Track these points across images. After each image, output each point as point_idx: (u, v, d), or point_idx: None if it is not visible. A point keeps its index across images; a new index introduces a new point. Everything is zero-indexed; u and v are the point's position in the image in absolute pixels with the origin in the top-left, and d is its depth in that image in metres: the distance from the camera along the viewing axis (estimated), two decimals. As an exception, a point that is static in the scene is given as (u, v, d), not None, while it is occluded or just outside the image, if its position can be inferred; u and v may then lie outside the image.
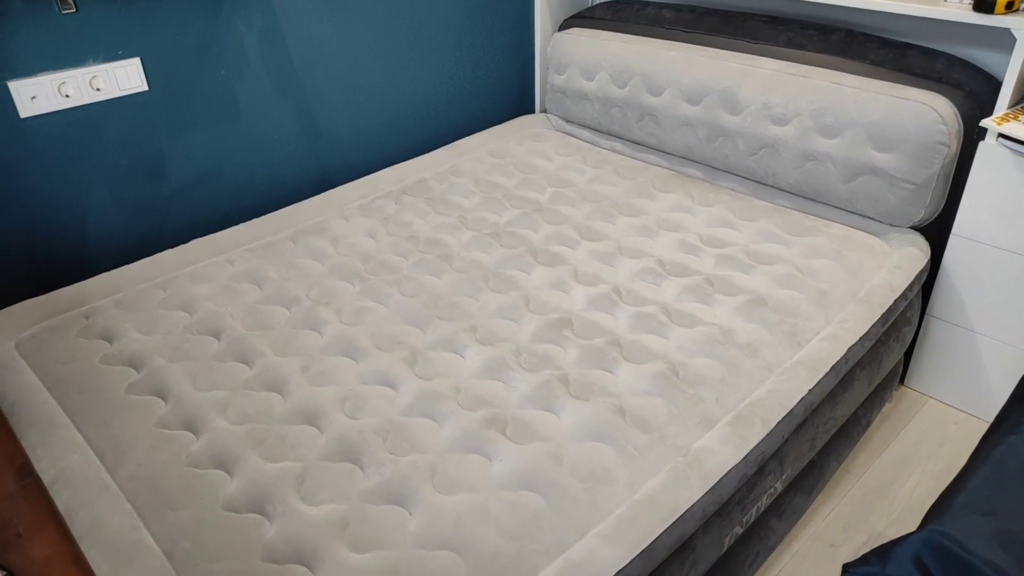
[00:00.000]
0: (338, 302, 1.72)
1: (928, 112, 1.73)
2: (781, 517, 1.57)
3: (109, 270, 1.84)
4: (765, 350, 1.53)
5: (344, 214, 2.10)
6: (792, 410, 1.40)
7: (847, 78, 1.89)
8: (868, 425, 1.84)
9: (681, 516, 1.20)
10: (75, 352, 1.57)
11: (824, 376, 1.48)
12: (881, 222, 1.90)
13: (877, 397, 1.87)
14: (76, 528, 1.16)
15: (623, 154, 2.40)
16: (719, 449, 1.30)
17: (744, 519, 1.40)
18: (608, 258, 1.85)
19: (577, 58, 2.42)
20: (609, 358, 1.51)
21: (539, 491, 1.22)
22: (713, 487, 1.25)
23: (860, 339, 1.57)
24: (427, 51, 2.34)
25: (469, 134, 2.57)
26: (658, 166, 2.31)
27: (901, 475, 1.81)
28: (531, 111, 2.77)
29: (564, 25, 2.56)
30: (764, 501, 1.45)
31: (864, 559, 0.92)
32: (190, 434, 1.36)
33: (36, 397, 1.44)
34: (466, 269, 1.82)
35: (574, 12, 2.63)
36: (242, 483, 1.25)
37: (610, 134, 2.45)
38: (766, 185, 2.09)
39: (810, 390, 1.44)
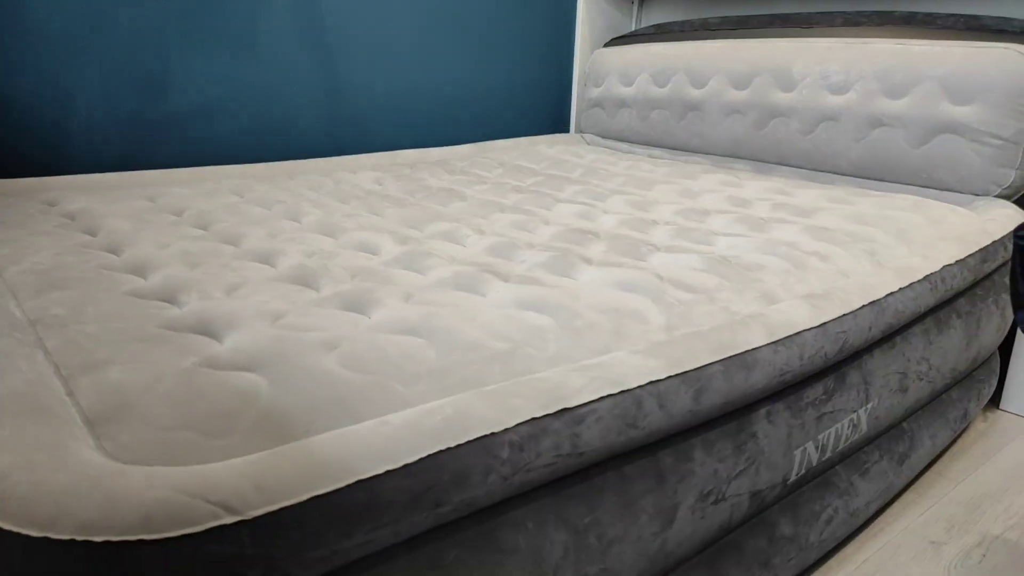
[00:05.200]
0: (327, 209, 1.48)
1: (1013, 56, 1.53)
2: (864, 476, 1.17)
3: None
4: (839, 260, 1.23)
5: (353, 170, 1.91)
6: (879, 301, 1.08)
7: (914, 41, 1.72)
8: (965, 416, 1.46)
9: (739, 354, 0.86)
10: (26, 214, 1.33)
11: (917, 282, 1.17)
12: (963, 192, 1.64)
13: (974, 382, 1.51)
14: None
15: (662, 158, 2.21)
16: (791, 311, 0.98)
17: (820, 437, 1.04)
18: (644, 206, 1.60)
19: (617, 67, 2.32)
20: (643, 248, 1.22)
21: (548, 313, 0.90)
22: (783, 340, 0.92)
23: (957, 262, 1.26)
24: (465, 47, 2.26)
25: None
26: (700, 164, 2.10)
27: (1016, 485, 1.40)
28: (565, 132, 2.63)
29: (606, 45, 2.49)
30: (846, 429, 1.09)
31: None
32: (112, 256, 1.09)
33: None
34: (479, 203, 1.59)
35: (616, 35, 2.58)
36: (158, 280, 0.96)
37: (648, 143, 2.28)
38: (824, 172, 1.86)
39: (901, 288, 1.13)
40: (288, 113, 1.97)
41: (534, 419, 0.68)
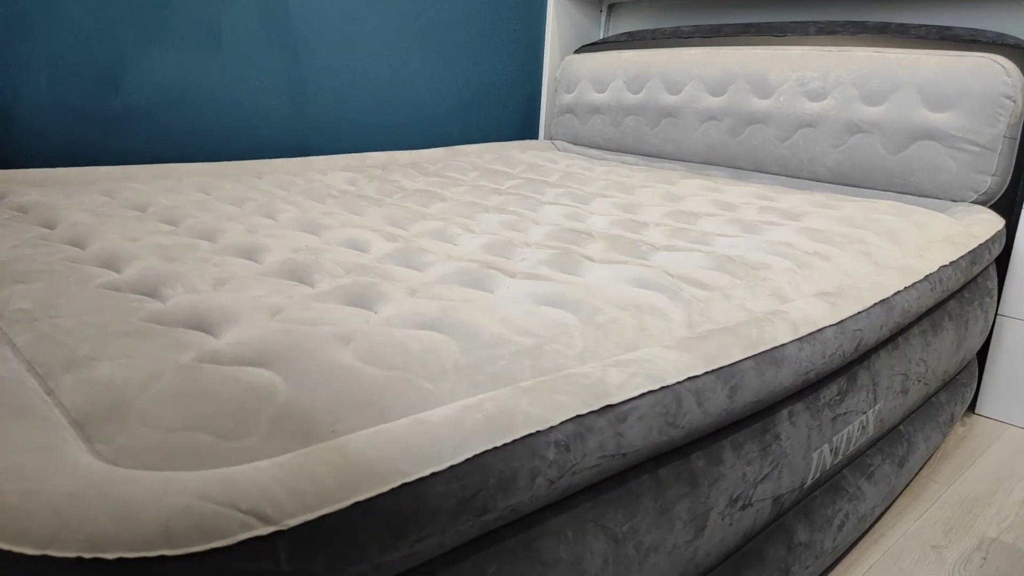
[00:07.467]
0: (302, 207, 1.40)
1: (989, 64, 1.56)
2: (870, 480, 1.15)
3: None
4: (839, 260, 1.21)
5: (322, 170, 1.83)
6: (889, 299, 1.06)
7: (890, 50, 1.74)
8: (952, 419, 1.46)
9: (768, 351, 0.82)
10: (-46, 206, 1.21)
11: (919, 281, 1.15)
12: (940, 198, 1.65)
13: (958, 385, 1.51)
14: None
15: (637, 164, 2.19)
16: (809, 308, 0.95)
17: (834, 439, 1.01)
18: (631, 208, 1.56)
19: (589, 73, 2.29)
20: (643, 247, 1.18)
21: (567, 308, 0.85)
22: (807, 337, 0.88)
23: (951, 263, 1.26)
24: (433, 48, 2.20)
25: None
26: (676, 170, 2.09)
27: (1004, 487, 1.41)
28: (533, 138, 2.59)
29: (576, 52, 2.47)
30: (855, 431, 1.06)
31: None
32: (77, 249, 0.99)
33: None
34: (461, 204, 1.53)
35: (586, 43, 2.56)
36: (134, 273, 0.87)
37: (621, 150, 2.26)
38: (801, 178, 1.87)
39: (906, 287, 1.11)
40: (250, 112, 1.87)
41: (579, 416, 0.62)
